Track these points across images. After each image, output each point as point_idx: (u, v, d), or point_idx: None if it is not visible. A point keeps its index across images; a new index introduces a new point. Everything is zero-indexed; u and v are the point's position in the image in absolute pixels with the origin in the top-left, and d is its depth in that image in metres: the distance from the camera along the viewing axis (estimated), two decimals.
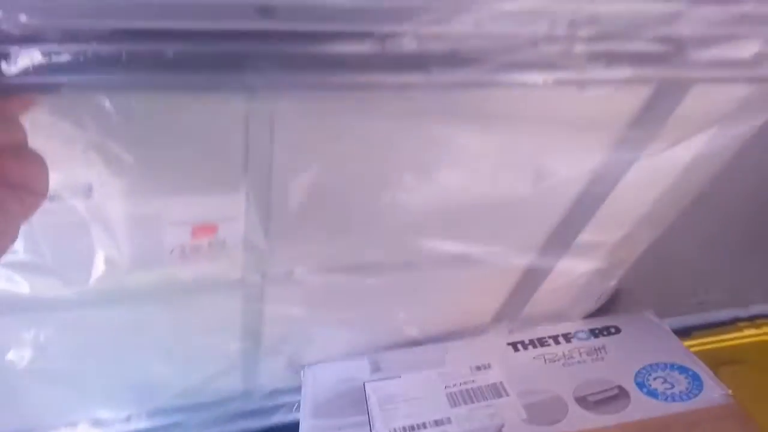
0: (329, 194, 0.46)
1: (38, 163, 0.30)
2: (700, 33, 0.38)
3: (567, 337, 0.68)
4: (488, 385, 0.62)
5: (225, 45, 0.30)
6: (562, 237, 0.59)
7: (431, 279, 0.61)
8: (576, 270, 0.65)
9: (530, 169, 0.49)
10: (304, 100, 0.37)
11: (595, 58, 0.37)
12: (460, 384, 0.63)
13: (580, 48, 0.36)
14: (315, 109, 0.38)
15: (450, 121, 0.42)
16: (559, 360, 0.65)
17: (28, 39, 0.28)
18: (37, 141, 0.31)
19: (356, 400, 0.62)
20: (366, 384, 0.64)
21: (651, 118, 0.46)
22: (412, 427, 0.57)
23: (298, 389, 0.66)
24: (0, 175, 0.28)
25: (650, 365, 0.62)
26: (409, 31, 0.33)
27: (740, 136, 0.49)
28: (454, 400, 0.60)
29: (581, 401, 0.59)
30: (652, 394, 0.59)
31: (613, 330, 0.69)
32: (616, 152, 0.49)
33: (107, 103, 0.33)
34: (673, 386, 0.59)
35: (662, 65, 0.39)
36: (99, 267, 0.44)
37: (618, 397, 0.59)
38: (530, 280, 0.65)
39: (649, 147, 0.48)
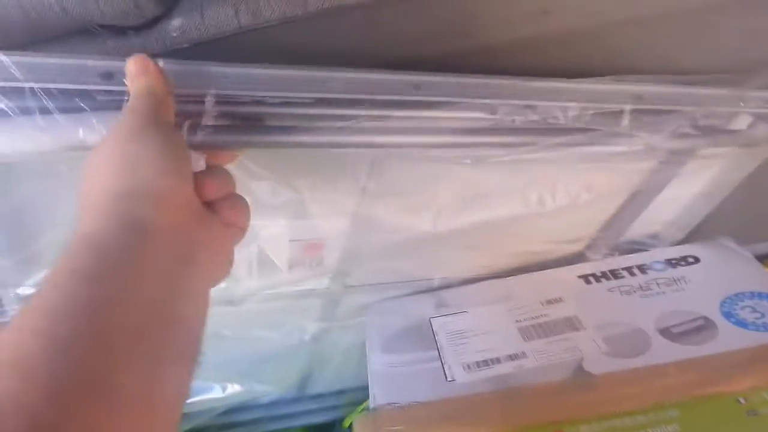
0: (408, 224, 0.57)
1: (245, 204, 0.38)
2: None
3: (642, 269, 0.65)
4: (562, 318, 0.59)
5: None
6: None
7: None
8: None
9: None
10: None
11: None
12: (532, 318, 0.60)
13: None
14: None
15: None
16: (635, 292, 0.62)
17: None
18: None
19: (424, 336, 0.60)
20: (432, 320, 0.62)
21: None
22: (486, 362, 0.55)
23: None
24: (226, 218, 0.35)
25: (736, 294, 0.59)
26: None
27: None
28: (527, 334, 0.58)
29: (664, 332, 0.56)
30: (741, 324, 0.55)
31: (691, 260, 0.65)
32: None
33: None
34: (763, 315, 0.56)
35: None
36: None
37: (704, 327, 0.56)
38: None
39: None
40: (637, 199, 0.62)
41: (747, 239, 0.79)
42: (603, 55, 0.50)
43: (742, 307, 0.57)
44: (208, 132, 0.39)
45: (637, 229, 0.68)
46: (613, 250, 0.68)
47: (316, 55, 0.48)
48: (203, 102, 0.39)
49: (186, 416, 0.65)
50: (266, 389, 0.68)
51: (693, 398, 0.48)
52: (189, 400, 0.65)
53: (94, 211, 0.29)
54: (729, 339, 0.54)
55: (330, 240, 0.57)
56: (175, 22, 0.46)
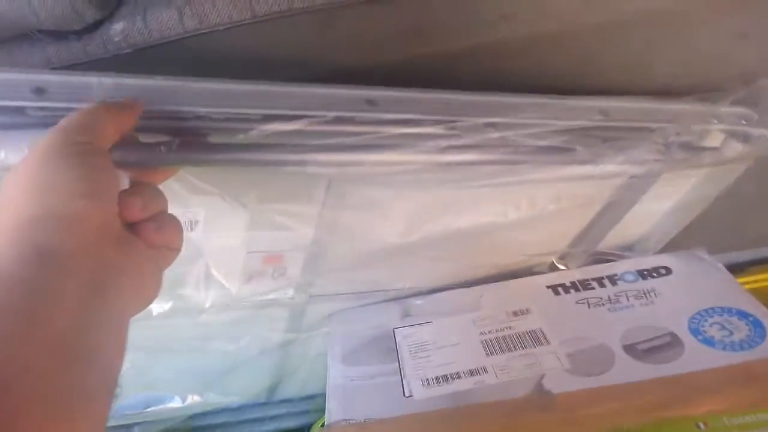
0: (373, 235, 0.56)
1: (177, 224, 0.36)
2: None
3: (612, 279, 0.63)
4: (527, 332, 0.58)
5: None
6: None
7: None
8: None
9: None
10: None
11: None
12: (496, 330, 0.59)
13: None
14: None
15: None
16: (604, 304, 0.60)
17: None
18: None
19: (386, 348, 0.59)
20: (395, 330, 0.61)
21: None
22: (446, 377, 0.54)
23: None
24: (151, 240, 0.33)
25: (705, 310, 0.57)
26: None
27: None
28: (490, 347, 0.57)
29: (629, 350, 0.54)
30: (708, 342, 0.54)
31: (663, 271, 0.63)
32: None
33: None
34: (731, 333, 0.54)
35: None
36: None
37: (670, 345, 0.54)
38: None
39: None
40: (610, 212, 0.61)
41: (725, 248, 0.78)
42: (568, 62, 0.48)
43: (711, 324, 0.56)
44: (142, 150, 0.38)
45: (611, 240, 0.66)
46: (585, 262, 0.66)
47: (268, 62, 0.46)
48: (141, 117, 0.38)
49: (145, 425, 0.64)
50: (232, 399, 0.67)
51: (652, 422, 0.46)
52: (150, 409, 0.65)
53: (3, 238, 0.28)
54: (694, 358, 0.52)
55: (291, 251, 0.56)
56: (117, 26, 0.44)
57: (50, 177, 0.29)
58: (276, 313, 0.63)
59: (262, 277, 0.57)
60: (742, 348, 0.53)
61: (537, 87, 0.47)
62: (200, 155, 0.39)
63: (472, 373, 0.54)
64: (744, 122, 0.50)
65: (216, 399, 0.65)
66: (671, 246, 0.72)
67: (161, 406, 0.63)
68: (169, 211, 0.36)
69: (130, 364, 0.58)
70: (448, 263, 0.63)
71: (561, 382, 0.52)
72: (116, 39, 0.44)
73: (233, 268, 0.54)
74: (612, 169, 0.48)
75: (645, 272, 0.63)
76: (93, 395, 0.27)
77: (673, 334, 0.55)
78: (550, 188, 0.55)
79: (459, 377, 0.54)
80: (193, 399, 0.63)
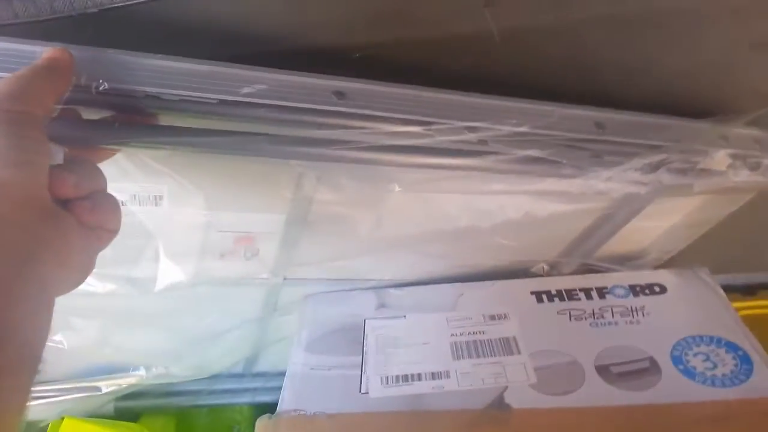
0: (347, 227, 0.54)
1: (114, 205, 0.35)
2: None
3: (601, 292, 0.60)
4: (499, 339, 0.55)
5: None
6: None
7: None
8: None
9: None
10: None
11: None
12: (468, 333, 0.56)
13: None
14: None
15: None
16: (586, 318, 0.57)
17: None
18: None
19: (353, 338, 0.57)
20: (367, 321, 0.59)
21: None
22: (406, 377, 0.52)
23: None
24: (84, 219, 0.32)
25: (693, 337, 0.54)
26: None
27: None
28: (458, 351, 0.54)
29: (602, 371, 0.51)
30: (688, 373, 0.50)
31: (657, 288, 0.60)
32: None
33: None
34: (715, 366, 0.51)
35: None
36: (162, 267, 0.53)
37: (647, 371, 0.51)
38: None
39: None
40: (605, 225, 0.57)
41: (737, 268, 0.73)
42: (558, 58, 0.44)
43: (696, 354, 0.52)
44: (83, 127, 0.36)
45: (605, 252, 0.63)
46: (576, 271, 0.63)
47: (238, 33, 0.43)
48: (86, 91, 0.36)
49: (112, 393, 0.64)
50: (200, 373, 0.67)
51: None
52: (113, 375, 0.65)
53: None
54: (670, 389, 0.49)
55: (263, 234, 0.54)
56: None
57: None
58: (251, 292, 0.62)
59: (233, 256, 0.56)
60: (723, 384, 0.49)
61: (524, 83, 0.43)
62: (144, 137, 0.37)
63: (434, 376, 0.52)
64: (757, 147, 0.45)
65: (182, 372, 0.65)
66: (677, 258, 0.67)
67: (125, 374, 0.63)
68: (132, 184, 0.35)
69: (89, 332, 0.58)
70: (427, 259, 0.60)
71: (523, 398, 0.49)
72: None
73: (201, 246, 0.53)
74: (600, 187, 0.44)
75: (638, 288, 0.60)
76: (11, 372, 0.26)
77: (652, 360, 0.52)
78: (535, 198, 0.51)
79: (419, 379, 0.52)
80: (157, 370, 0.63)
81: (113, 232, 0.35)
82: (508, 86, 0.43)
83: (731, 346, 0.52)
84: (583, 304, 0.58)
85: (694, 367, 0.51)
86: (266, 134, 0.40)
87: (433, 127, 0.40)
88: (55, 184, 0.31)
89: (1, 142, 0.28)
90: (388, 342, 0.56)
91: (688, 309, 0.57)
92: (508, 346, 0.54)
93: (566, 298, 0.59)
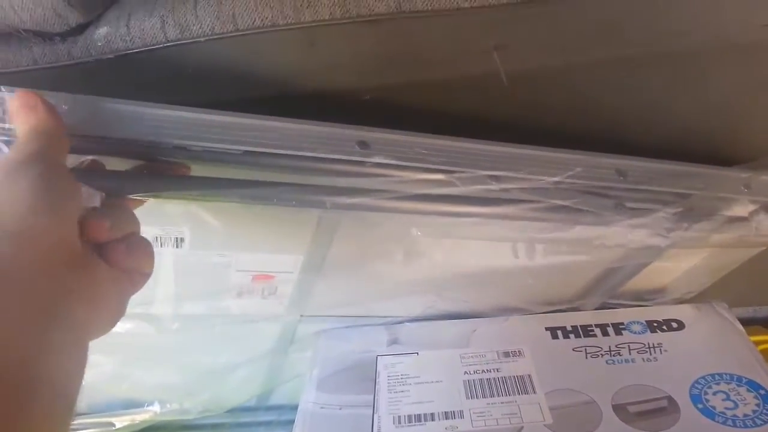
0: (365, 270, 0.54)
1: (148, 248, 0.35)
2: None
3: (618, 328, 0.59)
4: (514, 377, 0.54)
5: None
6: None
7: None
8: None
9: None
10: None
11: None
12: (482, 371, 0.55)
13: None
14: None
15: None
16: (603, 355, 0.56)
17: None
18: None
19: (365, 376, 0.56)
20: (379, 358, 0.58)
21: None
22: (419, 417, 0.51)
23: None
24: (119, 262, 0.32)
25: (712, 375, 0.52)
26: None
27: None
28: (471, 389, 0.54)
29: (620, 410, 0.50)
30: (708, 412, 0.49)
31: (674, 324, 0.59)
32: None
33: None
34: (736, 406, 0.49)
35: None
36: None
37: (665, 410, 0.50)
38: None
39: None
40: (625, 267, 0.56)
41: (756, 300, 0.72)
42: (569, 100, 0.44)
43: (716, 392, 0.51)
44: (115, 176, 0.37)
45: (629, 287, 0.61)
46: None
47: (249, 77, 0.44)
48: (109, 143, 0.36)
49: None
50: (213, 409, 0.67)
51: None
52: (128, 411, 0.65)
53: None
54: (689, 429, 0.48)
55: (281, 273, 0.54)
56: (101, 31, 0.43)
57: (6, 191, 0.28)
58: (267, 328, 0.62)
59: (251, 295, 0.56)
60: (745, 425, 0.48)
61: (536, 126, 0.43)
62: (172, 188, 0.37)
63: (447, 416, 0.51)
64: None
65: (196, 407, 0.64)
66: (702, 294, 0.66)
67: (140, 410, 0.63)
68: (154, 228, 0.35)
69: (106, 368, 0.58)
70: (446, 301, 0.60)
71: None
72: (99, 43, 0.43)
73: (220, 284, 0.53)
74: (623, 237, 0.43)
75: (655, 324, 0.59)
76: (43, 419, 0.25)
77: (670, 399, 0.51)
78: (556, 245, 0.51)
79: (433, 419, 0.51)
80: (171, 406, 0.62)
81: (147, 275, 0.35)
82: (520, 129, 0.43)
83: (753, 385, 0.51)
84: (599, 340, 0.58)
85: (714, 407, 0.49)
86: (290, 184, 0.39)
87: (456, 175, 0.40)
88: (91, 226, 0.31)
89: (30, 187, 0.28)
90: (401, 380, 0.56)
91: (707, 346, 0.56)
92: (523, 384, 0.54)
93: (582, 335, 0.58)
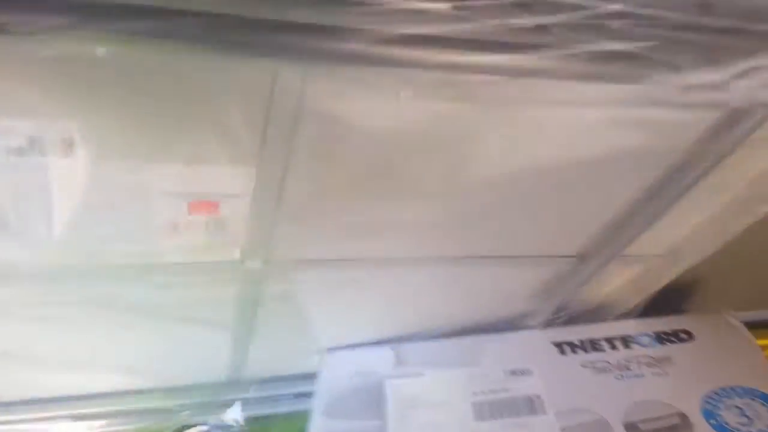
0: (352, 181, 0.40)
1: None
2: None
3: (626, 342, 0.58)
4: (523, 398, 0.54)
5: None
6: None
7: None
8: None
9: None
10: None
11: None
12: (491, 392, 0.55)
13: None
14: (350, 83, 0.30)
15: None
16: (611, 371, 0.55)
17: None
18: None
19: (373, 401, 0.56)
20: (386, 381, 0.58)
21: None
22: None
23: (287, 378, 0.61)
24: None
25: (724, 389, 0.52)
26: None
27: None
28: (480, 411, 0.53)
29: (631, 429, 0.50)
30: (722, 429, 0.48)
31: (683, 336, 0.58)
32: None
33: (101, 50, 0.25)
34: (750, 421, 0.49)
35: None
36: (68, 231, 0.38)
37: (677, 428, 0.49)
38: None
39: None
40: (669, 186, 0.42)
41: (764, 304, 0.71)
42: None
43: (728, 407, 0.50)
44: None
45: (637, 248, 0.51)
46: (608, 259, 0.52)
47: None
48: None
49: None
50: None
51: None
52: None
53: None
54: None
55: (228, 196, 0.39)
56: None
57: None
58: (218, 293, 0.48)
59: (190, 231, 0.41)
60: None
61: None
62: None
63: None
64: None
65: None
66: (703, 293, 0.65)
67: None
68: (26, 122, 0.26)
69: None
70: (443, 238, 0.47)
71: None
72: None
73: (143, 219, 0.39)
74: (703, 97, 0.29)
75: (663, 335, 0.58)
76: None
77: (682, 415, 0.50)
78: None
79: None
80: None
81: None
82: None
83: (766, 398, 0.50)
84: (608, 355, 0.57)
85: (728, 423, 0.49)
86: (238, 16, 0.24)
87: (468, 1, 0.25)
88: None
89: None
90: (409, 402, 0.55)
91: (718, 358, 0.55)
92: (532, 405, 0.53)
93: (590, 349, 0.58)
